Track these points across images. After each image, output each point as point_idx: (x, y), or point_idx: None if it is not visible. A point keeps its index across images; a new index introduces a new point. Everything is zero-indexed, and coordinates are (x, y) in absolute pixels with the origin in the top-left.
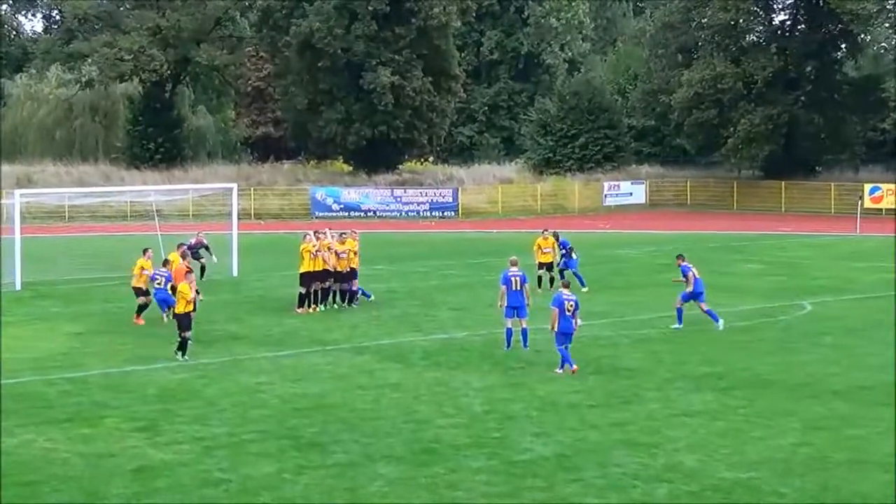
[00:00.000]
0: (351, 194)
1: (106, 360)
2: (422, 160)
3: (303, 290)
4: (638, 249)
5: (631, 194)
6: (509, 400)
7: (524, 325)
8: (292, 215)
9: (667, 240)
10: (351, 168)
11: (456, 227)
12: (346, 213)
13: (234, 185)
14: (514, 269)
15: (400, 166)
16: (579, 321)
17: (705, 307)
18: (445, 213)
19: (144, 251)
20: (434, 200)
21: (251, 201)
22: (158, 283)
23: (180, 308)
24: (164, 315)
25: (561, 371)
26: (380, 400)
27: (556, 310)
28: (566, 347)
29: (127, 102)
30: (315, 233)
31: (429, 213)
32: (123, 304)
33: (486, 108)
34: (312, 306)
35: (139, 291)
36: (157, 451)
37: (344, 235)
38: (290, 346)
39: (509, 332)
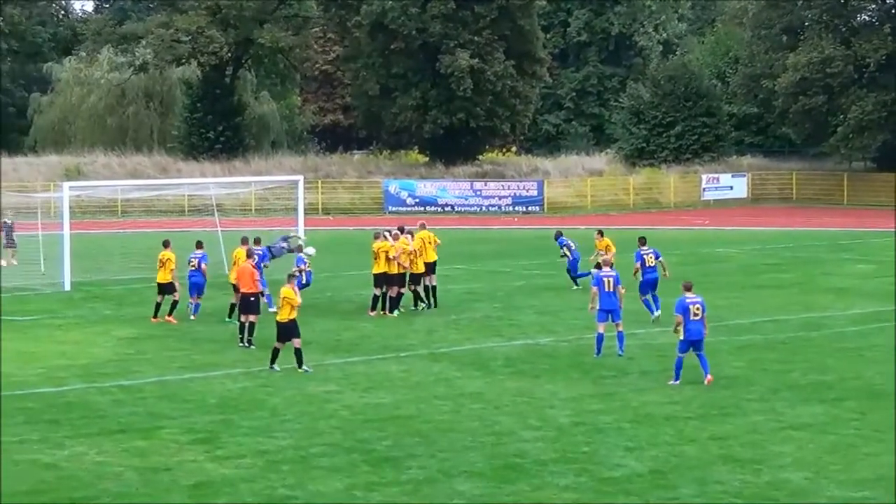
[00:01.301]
0: (427, 187)
1: (161, 366)
2: (504, 150)
3: (377, 292)
4: (739, 248)
5: (731, 188)
6: (599, 411)
7: (620, 329)
8: (363, 210)
9: (771, 237)
10: (427, 159)
11: (541, 224)
12: (422, 208)
13: (301, 178)
14: (607, 269)
15: (480, 157)
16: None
17: (642, 298)
18: (529, 208)
19: (165, 243)
20: (517, 194)
21: (318, 195)
22: (193, 266)
23: (284, 315)
24: (192, 302)
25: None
26: (458, 411)
27: (681, 316)
28: (684, 357)
29: (184, 87)
30: (391, 232)
31: (511, 208)
32: (180, 307)
33: (574, 93)
34: (384, 311)
35: (169, 288)
36: (216, 466)
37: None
38: (360, 352)
39: (601, 338)
